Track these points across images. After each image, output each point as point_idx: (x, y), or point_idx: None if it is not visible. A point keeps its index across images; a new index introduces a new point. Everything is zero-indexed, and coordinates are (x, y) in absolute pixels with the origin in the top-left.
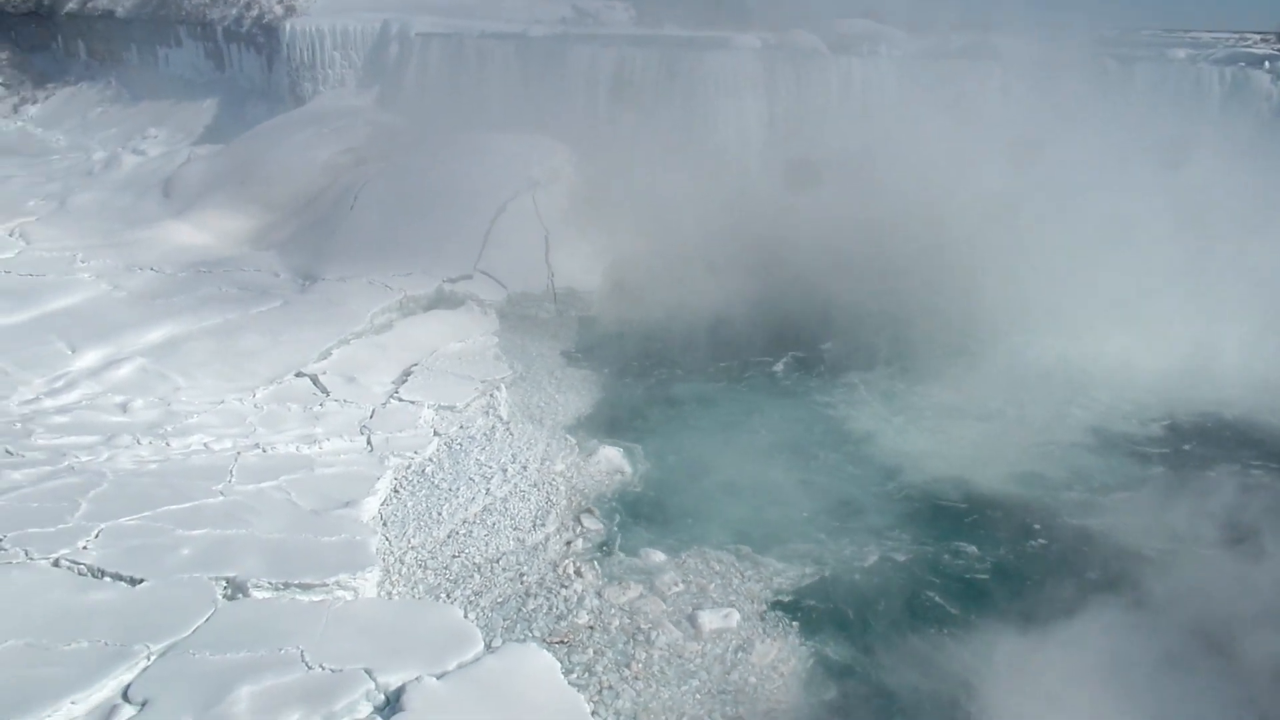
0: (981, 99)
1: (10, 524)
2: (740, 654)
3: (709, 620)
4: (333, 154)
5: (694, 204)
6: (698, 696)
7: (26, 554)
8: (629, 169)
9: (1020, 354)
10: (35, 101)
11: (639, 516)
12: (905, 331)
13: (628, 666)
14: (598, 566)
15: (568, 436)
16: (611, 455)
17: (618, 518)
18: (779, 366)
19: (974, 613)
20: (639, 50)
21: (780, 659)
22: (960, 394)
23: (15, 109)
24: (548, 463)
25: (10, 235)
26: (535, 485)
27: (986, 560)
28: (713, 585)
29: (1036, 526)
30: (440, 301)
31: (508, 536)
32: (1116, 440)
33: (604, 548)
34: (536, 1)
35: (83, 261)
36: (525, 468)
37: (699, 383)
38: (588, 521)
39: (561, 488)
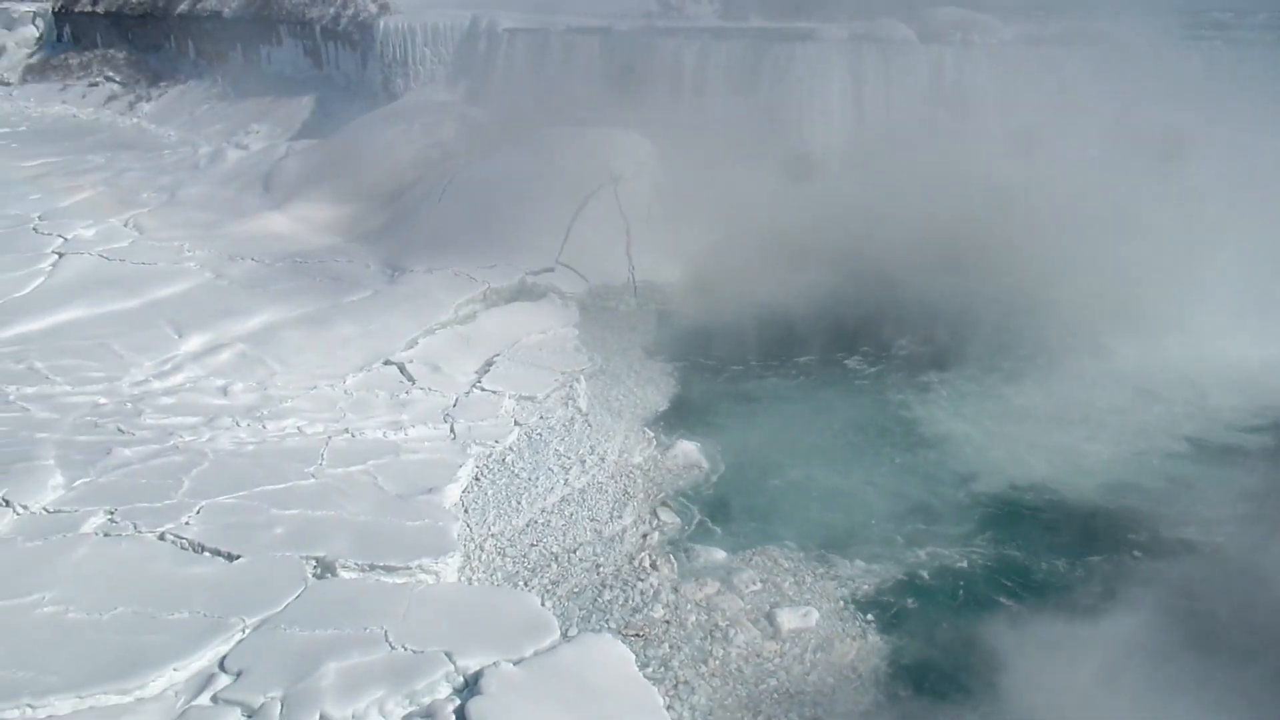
0: (1079, 88)
1: (122, 499)
2: (820, 654)
3: (788, 619)
4: (422, 148)
5: (775, 198)
6: (775, 696)
7: (135, 527)
8: (712, 163)
9: (1111, 355)
10: (149, 99)
11: (715, 512)
12: (986, 330)
13: (704, 663)
14: (674, 560)
15: (646, 429)
16: (689, 450)
17: (694, 512)
18: (855, 363)
19: (1062, 622)
20: (724, 43)
21: (859, 659)
22: (1046, 397)
23: (131, 106)
24: (625, 455)
25: (125, 226)
26: (613, 477)
27: (1077, 571)
28: (788, 583)
29: (1132, 537)
30: (522, 293)
31: (585, 527)
32: (1220, 449)
33: (680, 542)
34: None
35: (189, 251)
36: (603, 459)
37: (775, 378)
38: (664, 515)
39: (639, 480)
